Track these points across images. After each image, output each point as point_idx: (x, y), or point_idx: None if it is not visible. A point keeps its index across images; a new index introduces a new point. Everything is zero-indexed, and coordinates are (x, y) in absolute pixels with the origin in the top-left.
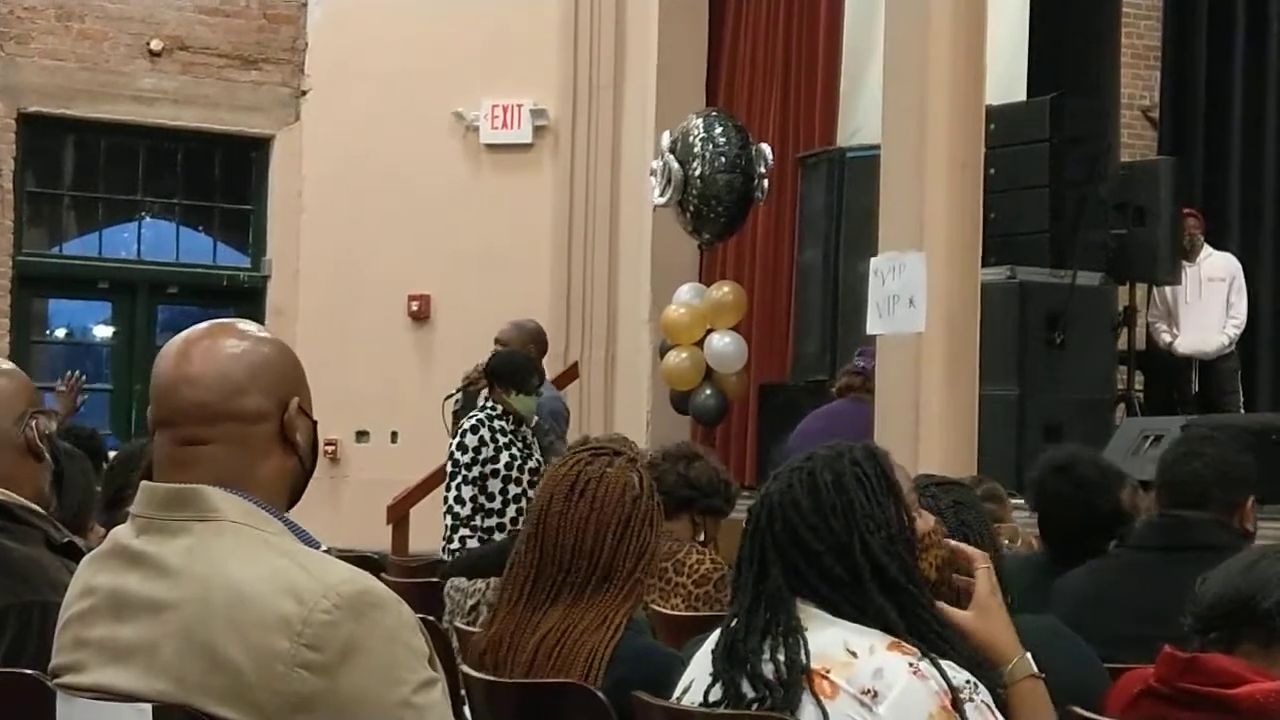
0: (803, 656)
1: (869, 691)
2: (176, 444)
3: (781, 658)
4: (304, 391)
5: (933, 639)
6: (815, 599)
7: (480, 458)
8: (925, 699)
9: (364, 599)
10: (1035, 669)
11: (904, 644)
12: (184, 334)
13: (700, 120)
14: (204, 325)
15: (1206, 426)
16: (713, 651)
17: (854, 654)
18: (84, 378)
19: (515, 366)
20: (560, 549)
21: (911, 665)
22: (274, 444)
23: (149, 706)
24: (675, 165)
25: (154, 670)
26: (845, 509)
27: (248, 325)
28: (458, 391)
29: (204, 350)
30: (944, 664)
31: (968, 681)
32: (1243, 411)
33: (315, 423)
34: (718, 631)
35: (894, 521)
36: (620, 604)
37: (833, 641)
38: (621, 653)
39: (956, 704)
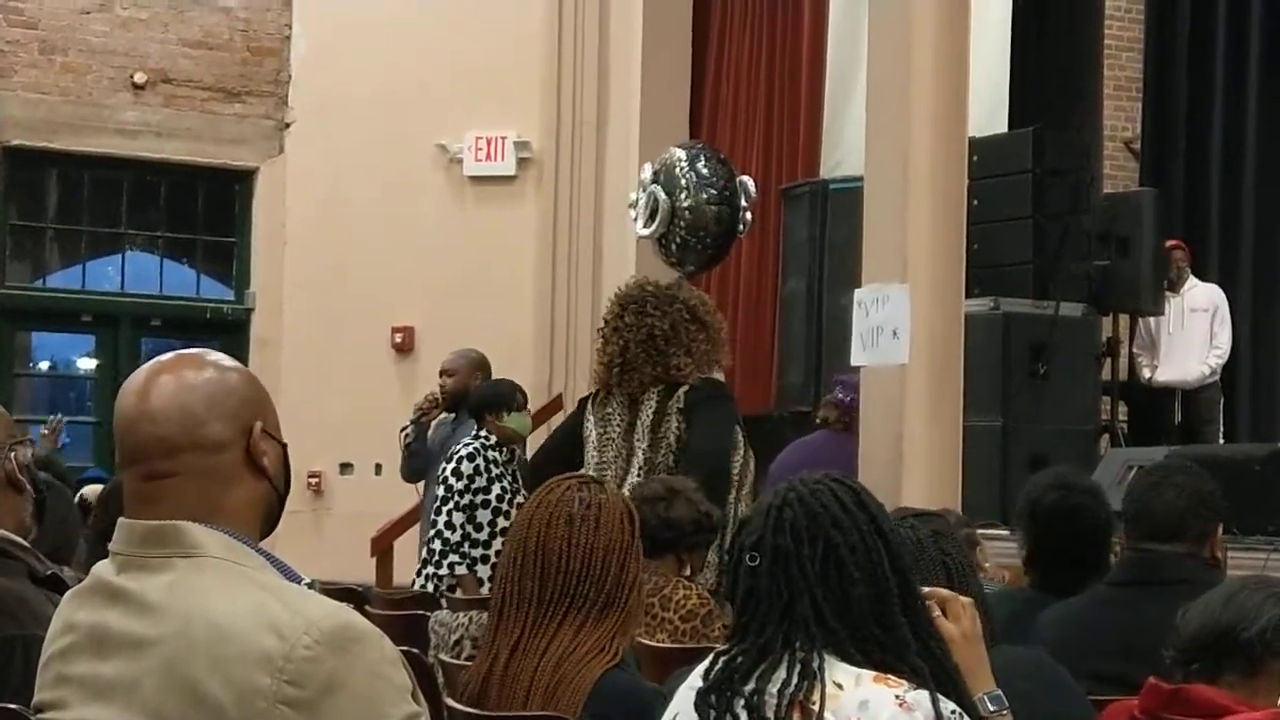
0: (816, 699)
1: None
2: (142, 479)
3: (790, 691)
4: (269, 415)
5: (939, 659)
6: (825, 637)
7: (473, 486)
8: None
9: (345, 634)
10: (986, 711)
11: (890, 677)
12: (143, 370)
13: (684, 152)
14: (164, 358)
15: (1184, 457)
16: (700, 688)
17: (840, 686)
18: (64, 420)
19: (500, 391)
20: (567, 574)
21: (898, 697)
22: (241, 471)
23: None
24: (663, 196)
25: (135, 707)
26: (873, 527)
27: (208, 355)
28: (410, 424)
29: (162, 385)
30: (931, 694)
31: (953, 712)
32: (1221, 441)
33: (284, 445)
34: (703, 665)
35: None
36: (619, 631)
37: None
38: (603, 689)
39: None
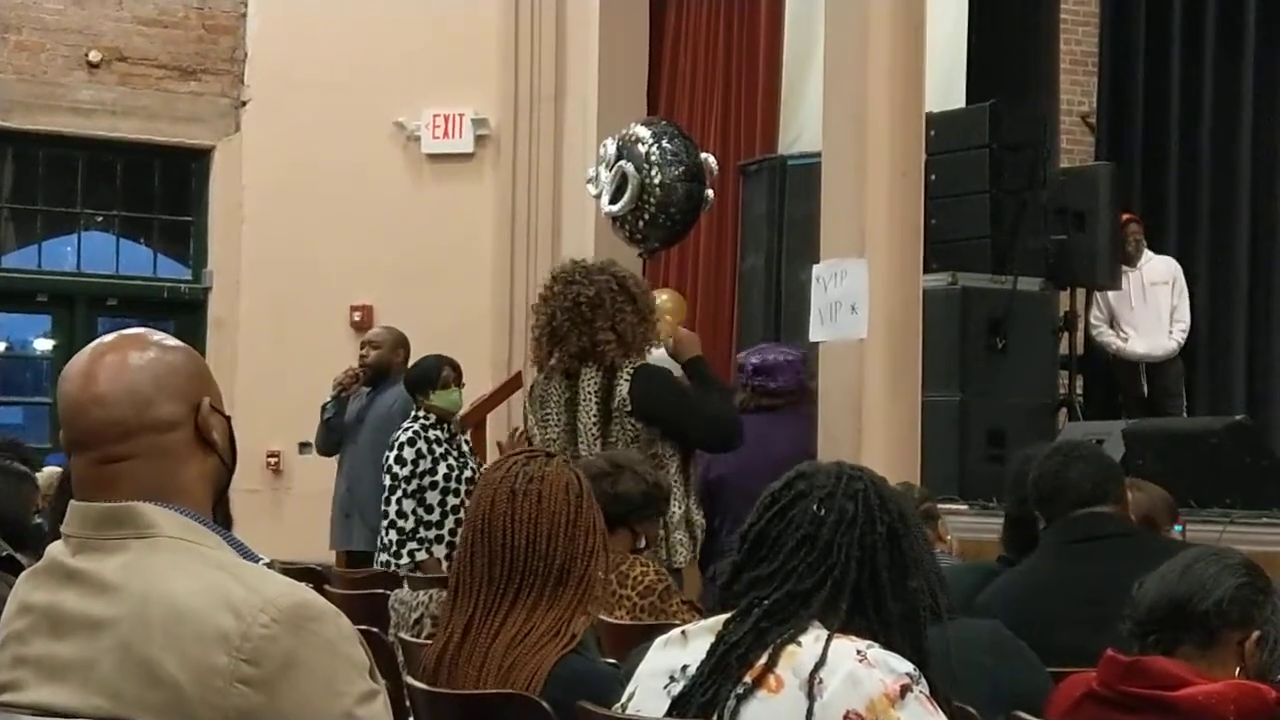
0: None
1: (814, 679)
2: (95, 464)
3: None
4: (213, 390)
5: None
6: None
7: (418, 470)
8: (869, 686)
9: (302, 612)
10: None
11: (853, 636)
12: (84, 353)
13: (648, 130)
14: (105, 340)
15: (1143, 431)
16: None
17: (799, 644)
18: None
19: (423, 370)
20: (514, 550)
21: (859, 653)
22: (192, 448)
23: None
24: (632, 171)
25: (91, 687)
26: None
27: (150, 334)
28: (330, 399)
29: (108, 367)
30: (891, 654)
31: (908, 673)
32: (1185, 415)
33: (228, 418)
34: (690, 639)
35: None
36: (575, 610)
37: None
38: (558, 674)
39: (904, 692)
